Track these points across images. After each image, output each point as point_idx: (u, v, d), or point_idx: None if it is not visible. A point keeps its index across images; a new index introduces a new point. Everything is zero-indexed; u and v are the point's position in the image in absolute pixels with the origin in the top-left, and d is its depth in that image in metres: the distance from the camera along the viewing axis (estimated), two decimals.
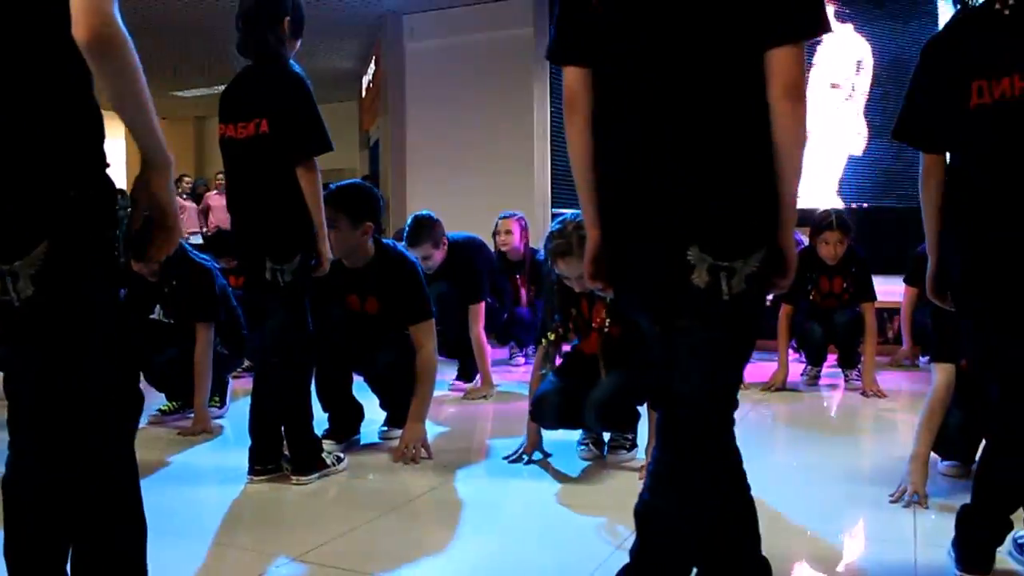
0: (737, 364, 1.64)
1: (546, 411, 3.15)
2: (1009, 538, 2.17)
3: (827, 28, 1.53)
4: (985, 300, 2.01)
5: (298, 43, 3.00)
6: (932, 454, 2.83)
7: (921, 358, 5.28)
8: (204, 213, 12.00)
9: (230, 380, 4.35)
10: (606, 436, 3.35)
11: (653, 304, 1.63)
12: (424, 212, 4.50)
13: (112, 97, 1.39)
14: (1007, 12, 1.93)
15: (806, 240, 4.78)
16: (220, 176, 12.45)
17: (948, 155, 2.09)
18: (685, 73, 1.54)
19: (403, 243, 4.13)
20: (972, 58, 1.97)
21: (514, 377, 5.01)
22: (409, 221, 4.47)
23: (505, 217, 5.42)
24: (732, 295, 1.53)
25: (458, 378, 4.75)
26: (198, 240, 11.19)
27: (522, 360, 5.50)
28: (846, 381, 4.80)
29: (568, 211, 3.06)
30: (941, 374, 2.71)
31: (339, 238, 3.27)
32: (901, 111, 2.13)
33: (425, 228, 4.39)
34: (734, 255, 1.53)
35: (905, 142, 2.15)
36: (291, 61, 2.93)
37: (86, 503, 1.52)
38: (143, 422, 3.89)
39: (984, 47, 1.96)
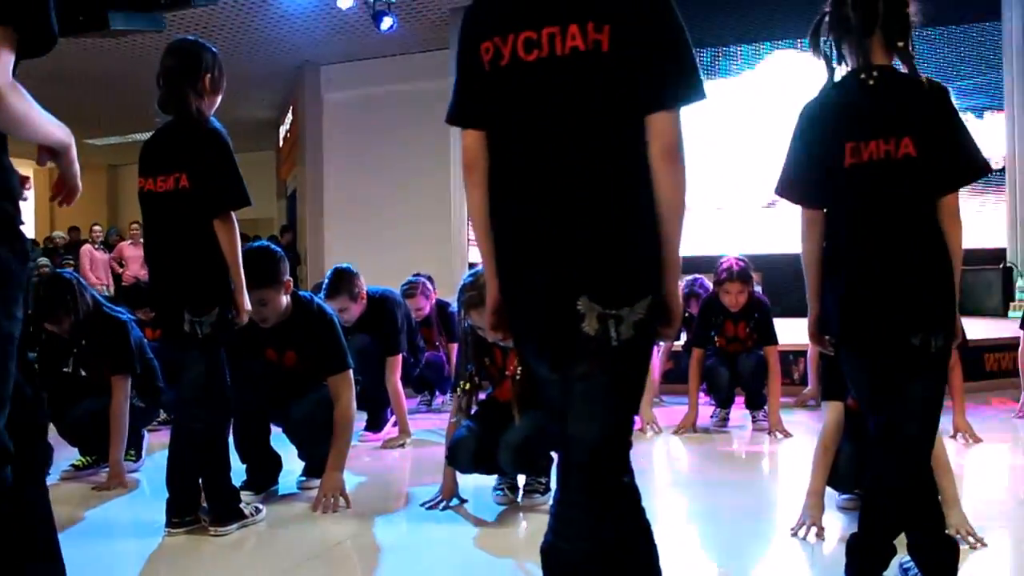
0: (628, 406, 1.73)
1: (462, 456, 3.23)
2: (895, 563, 2.32)
3: (701, 95, 1.67)
4: (859, 355, 2.22)
5: (218, 99, 3.07)
6: (829, 488, 2.99)
7: None
8: (118, 262, 11.77)
9: (146, 433, 4.31)
10: (521, 480, 3.44)
11: (548, 352, 1.72)
12: (344, 265, 4.56)
13: (19, 138, 1.51)
14: (871, 82, 2.16)
15: (711, 286, 4.99)
16: (135, 226, 12.26)
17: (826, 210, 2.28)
18: (574, 136, 1.66)
19: (321, 295, 4.18)
20: (845, 121, 2.19)
21: (429, 425, 5.07)
22: (329, 273, 4.54)
23: (411, 295, 5.33)
24: (620, 341, 1.63)
25: (367, 428, 4.80)
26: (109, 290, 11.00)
27: (441, 401, 5.62)
28: (753, 422, 4.97)
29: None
30: (831, 412, 2.89)
31: (273, 309, 3.37)
32: (782, 169, 2.31)
33: (344, 281, 4.46)
34: (621, 303, 1.64)
35: (786, 198, 2.32)
36: (211, 117, 3.00)
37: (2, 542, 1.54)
38: (55, 477, 3.86)
39: (855, 111, 2.18)
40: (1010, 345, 5.86)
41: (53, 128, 1.57)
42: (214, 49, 3.06)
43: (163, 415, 4.80)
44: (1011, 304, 8.34)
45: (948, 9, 8.26)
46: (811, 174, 2.24)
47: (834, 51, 2.25)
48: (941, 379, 2.23)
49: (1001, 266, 8.76)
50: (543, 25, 1.65)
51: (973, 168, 2.19)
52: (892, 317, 2.15)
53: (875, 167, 2.13)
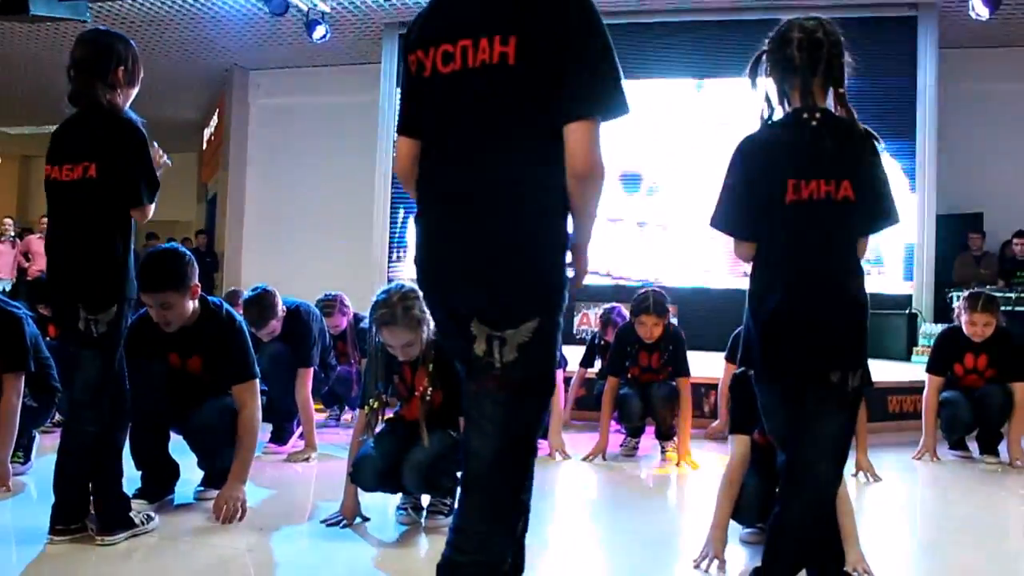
0: (522, 426, 1.76)
1: (365, 473, 3.16)
2: None
3: (623, 109, 1.68)
4: (777, 389, 2.25)
5: (134, 91, 2.96)
6: (733, 521, 3.01)
7: None
8: (25, 256, 11.34)
9: (36, 435, 4.13)
10: (425, 501, 3.39)
11: (462, 365, 1.78)
12: (260, 287, 4.49)
13: None
14: (814, 123, 2.21)
15: (628, 314, 5.01)
16: (45, 220, 11.84)
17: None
18: (478, 152, 1.69)
19: (237, 308, 4.09)
20: (787, 158, 2.23)
21: (337, 439, 4.98)
22: (249, 296, 4.45)
23: (329, 313, 5.25)
24: (504, 363, 1.69)
25: (272, 440, 4.69)
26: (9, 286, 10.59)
27: (349, 417, 5.55)
28: (662, 452, 5.00)
29: (397, 282, 3.14)
30: (738, 446, 2.91)
31: (177, 314, 3.26)
32: (718, 202, 2.33)
33: (267, 308, 4.42)
34: (505, 326, 1.69)
35: (723, 231, 2.33)
36: (126, 109, 2.90)
37: None
38: None
39: (798, 150, 2.23)
40: (914, 388, 6.04)
41: None
42: (130, 41, 2.95)
43: (57, 416, 4.61)
44: (914, 349, 8.62)
45: (867, 64, 8.56)
46: (749, 208, 2.27)
47: (776, 89, 2.29)
48: (853, 419, 2.27)
49: (907, 311, 9.06)
50: (458, 38, 1.67)
51: (891, 217, 2.26)
52: (814, 352, 2.19)
53: (815, 206, 2.19)
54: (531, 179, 1.67)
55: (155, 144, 2.92)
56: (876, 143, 2.24)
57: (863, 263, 2.27)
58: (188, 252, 3.37)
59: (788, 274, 2.23)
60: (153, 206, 2.89)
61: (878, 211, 2.23)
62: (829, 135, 2.21)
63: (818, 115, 2.22)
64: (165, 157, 2.99)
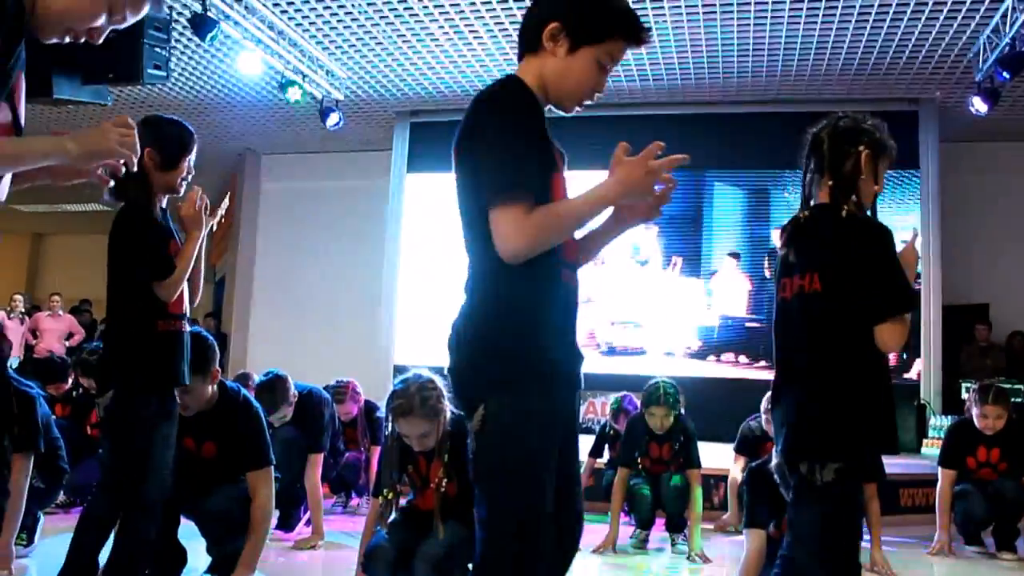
0: (499, 509, 1.72)
1: (378, 563, 3.12)
2: None
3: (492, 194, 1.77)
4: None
5: (170, 175, 2.97)
6: None
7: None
8: (33, 333, 11.35)
9: (41, 516, 4.08)
10: None
11: None
12: (272, 372, 4.52)
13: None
14: (802, 220, 2.31)
15: (639, 403, 5.01)
16: (54, 298, 11.90)
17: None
18: (464, 235, 1.82)
19: (251, 391, 4.10)
20: (780, 259, 2.34)
21: (344, 526, 4.92)
22: (262, 381, 4.47)
23: (340, 400, 5.29)
24: (475, 449, 1.72)
25: (279, 527, 4.63)
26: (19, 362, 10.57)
27: (356, 504, 5.55)
28: (673, 545, 4.93)
29: (415, 372, 3.13)
30: (753, 540, 2.89)
31: (196, 397, 3.27)
32: (904, 287, 2.24)
33: (280, 393, 4.45)
34: (466, 407, 1.75)
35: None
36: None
37: None
38: None
39: (784, 250, 2.32)
40: (925, 481, 5.98)
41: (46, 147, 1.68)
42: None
43: (62, 497, 4.58)
44: (924, 441, 8.55)
45: None
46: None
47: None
48: (834, 514, 2.18)
49: (915, 403, 9.01)
50: None
51: (892, 302, 2.18)
52: (786, 442, 2.22)
53: (791, 302, 2.27)
54: (481, 266, 1.78)
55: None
56: (868, 232, 2.21)
57: (887, 348, 2.19)
58: (210, 336, 3.40)
59: (776, 370, 2.33)
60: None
61: (867, 297, 2.16)
62: (812, 230, 2.27)
63: (806, 212, 2.30)
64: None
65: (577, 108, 1.84)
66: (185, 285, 2.87)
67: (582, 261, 1.91)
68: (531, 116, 1.78)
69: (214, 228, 3.01)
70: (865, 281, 2.16)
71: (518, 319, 1.73)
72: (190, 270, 2.87)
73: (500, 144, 1.72)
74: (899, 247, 2.24)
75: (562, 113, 1.87)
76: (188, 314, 2.95)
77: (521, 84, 1.81)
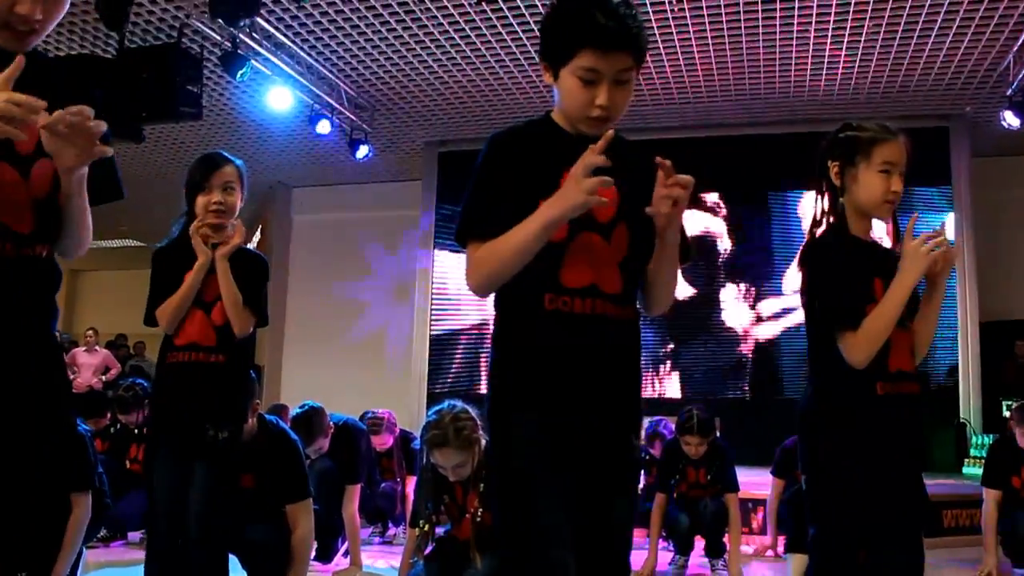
0: (506, 534, 1.78)
1: None
2: None
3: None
4: None
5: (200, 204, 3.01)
6: None
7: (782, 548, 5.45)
8: (71, 369, 11.50)
9: (84, 551, 4.11)
10: None
11: None
12: (307, 404, 4.54)
13: None
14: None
15: (674, 427, 4.98)
16: (90, 333, 12.03)
17: None
18: None
19: (287, 423, 4.12)
20: (875, 260, 2.32)
21: (381, 557, 4.92)
22: (298, 414, 4.49)
23: (376, 431, 5.32)
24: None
25: (316, 558, 4.63)
26: None
27: (393, 534, 5.55)
28: (712, 570, 4.88)
29: (449, 402, 3.14)
30: (797, 564, 2.85)
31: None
32: (836, 303, 2.27)
33: (316, 426, 4.46)
34: None
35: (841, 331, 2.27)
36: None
37: None
38: None
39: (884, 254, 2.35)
40: (969, 501, 5.87)
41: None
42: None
43: (103, 532, 4.62)
44: (965, 460, 8.41)
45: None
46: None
47: None
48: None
49: (955, 421, 8.87)
50: None
51: (824, 322, 2.25)
52: None
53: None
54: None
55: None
56: (812, 252, 2.31)
57: (850, 357, 2.19)
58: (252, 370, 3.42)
59: None
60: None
61: (813, 310, 2.27)
62: (807, 245, 2.35)
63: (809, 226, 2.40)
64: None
65: (593, 127, 1.78)
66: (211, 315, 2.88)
67: (624, 287, 1.82)
68: (512, 152, 1.80)
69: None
70: (806, 301, 2.30)
71: (500, 348, 1.82)
72: (187, 298, 2.85)
73: (471, 185, 1.81)
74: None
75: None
76: (206, 344, 2.89)
77: (535, 121, 1.86)
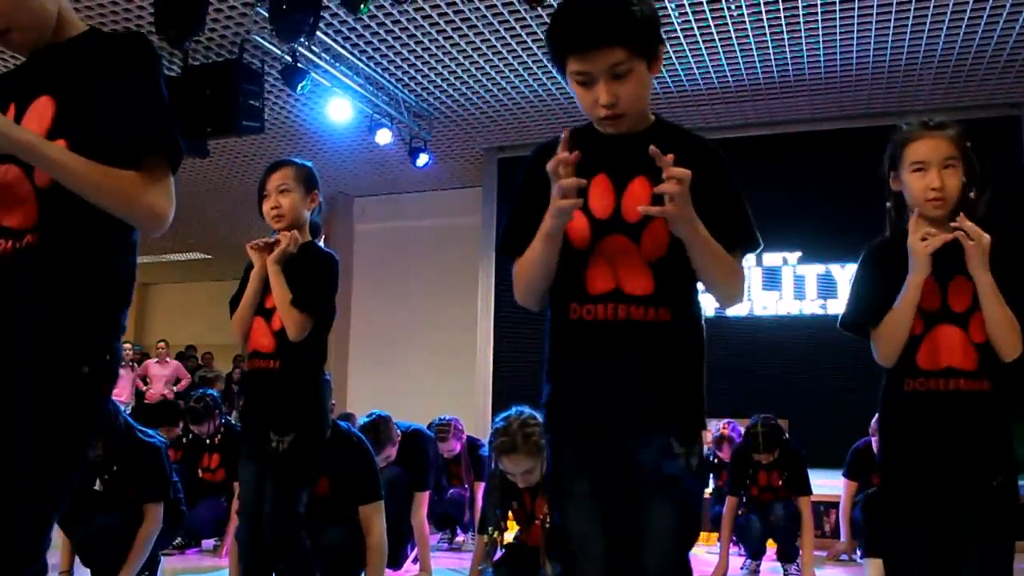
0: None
1: None
2: None
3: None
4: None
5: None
6: None
7: (859, 553, 5.32)
8: (143, 380, 11.77)
9: (161, 558, 4.20)
10: None
11: None
12: (375, 413, 4.57)
13: None
14: None
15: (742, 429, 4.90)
16: (160, 344, 12.31)
17: None
18: None
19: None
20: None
21: (450, 563, 4.93)
22: (366, 423, 4.53)
23: (443, 438, 5.35)
24: None
25: (387, 565, 4.67)
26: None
27: (462, 540, 5.57)
28: (785, 575, 4.79)
29: (516, 408, 3.13)
30: (873, 570, 2.78)
31: None
32: (849, 304, 2.33)
33: (383, 434, 4.48)
34: None
35: (852, 331, 2.32)
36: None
37: None
38: None
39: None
40: None
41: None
42: None
43: (178, 539, 4.71)
44: None
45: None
46: (881, 306, 2.30)
47: None
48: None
49: None
50: None
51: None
52: None
53: None
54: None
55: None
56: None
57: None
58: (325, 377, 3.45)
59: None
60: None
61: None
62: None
63: None
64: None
65: (608, 126, 1.78)
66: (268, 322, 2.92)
67: (664, 289, 1.76)
68: (536, 166, 1.79)
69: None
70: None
71: (545, 358, 1.86)
72: (250, 306, 2.93)
73: (510, 199, 1.92)
74: None
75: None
76: (265, 351, 2.93)
77: (578, 128, 1.83)
